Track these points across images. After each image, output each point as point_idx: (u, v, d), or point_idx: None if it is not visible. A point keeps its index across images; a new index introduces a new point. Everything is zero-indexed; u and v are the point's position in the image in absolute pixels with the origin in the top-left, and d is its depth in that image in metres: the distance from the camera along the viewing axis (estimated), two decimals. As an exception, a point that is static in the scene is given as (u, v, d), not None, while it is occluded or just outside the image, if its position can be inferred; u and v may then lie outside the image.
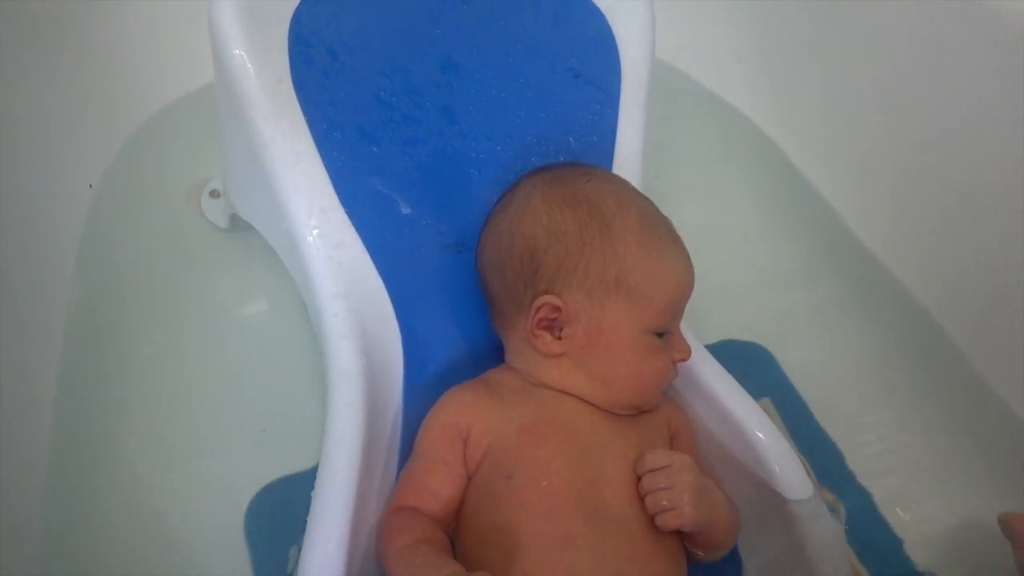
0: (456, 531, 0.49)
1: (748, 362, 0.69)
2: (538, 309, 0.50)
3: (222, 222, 0.72)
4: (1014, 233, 0.65)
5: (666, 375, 0.52)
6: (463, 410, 0.51)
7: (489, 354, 0.58)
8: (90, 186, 0.71)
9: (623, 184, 0.55)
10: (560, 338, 0.50)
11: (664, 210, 0.54)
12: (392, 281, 0.57)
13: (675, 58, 0.93)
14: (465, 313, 0.59)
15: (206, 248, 0.73)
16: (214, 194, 0.73)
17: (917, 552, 0.60)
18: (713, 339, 0.70)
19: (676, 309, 0.51)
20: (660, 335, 0.51)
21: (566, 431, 0.49)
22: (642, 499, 0.47)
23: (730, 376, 0.58)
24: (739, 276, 0.76)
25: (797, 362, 0.70)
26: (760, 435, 0.56)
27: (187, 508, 0.59)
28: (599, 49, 0.65)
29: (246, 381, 0.67)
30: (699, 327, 0.65)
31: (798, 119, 0.88)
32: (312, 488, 0.50)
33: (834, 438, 0.66)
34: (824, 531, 0.52)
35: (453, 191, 0.60)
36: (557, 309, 0.50)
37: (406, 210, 0.59)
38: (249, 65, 0.55)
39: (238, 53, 0.54)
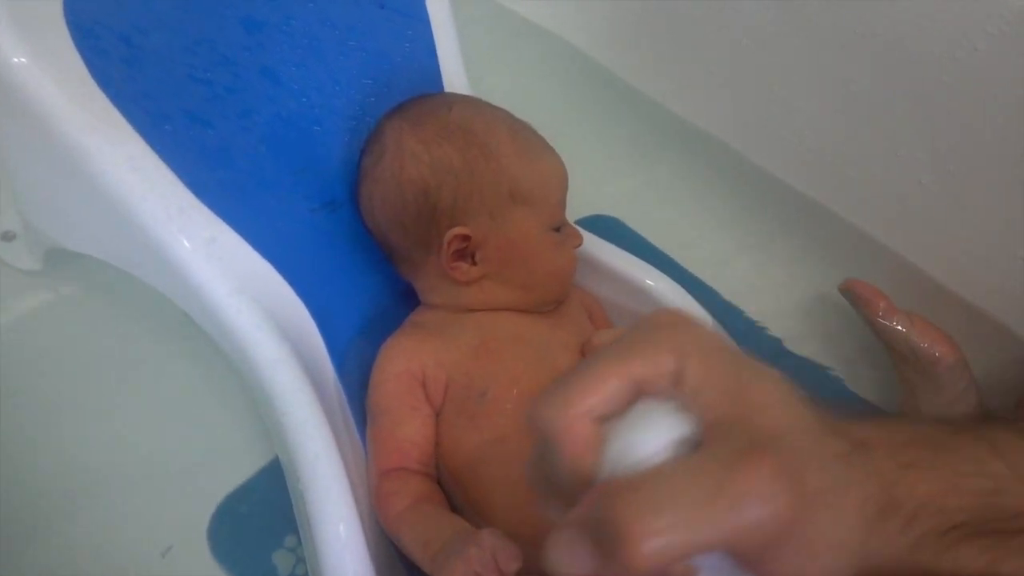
0: (440, 467, 0.51)
1: (607, 232, 0.75)
2: (449, 243, 0.51)
3: (34, 263, 0.63)
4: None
5: (574, 263, 0.56)
6: (408, 355, 0.51)
7: (401, 299, 0.59)
8: None
9: (479, 102, 0.57)
10: (476, 263, 0.52)
11: None
12: (278, 260, 0.55)
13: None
14: (361, 268, 0.59)
15: (23, 296, 0.63)
16: (8, 236, 0.63)
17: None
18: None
19: (563, 201, 0.55)
20: (557, 230, 0.55)
21: (515, 339, 0.52)
22: None
23: (607, 243, 0.64)
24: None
25: (649, 228, 0.78)
26: (651, 283, 0.63)
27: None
28: (393, -26, 0.65)
29: (132, 419, 0.61)
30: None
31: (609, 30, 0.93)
32: (276, 486, 0.49)
33: (704, 278, 0.75)
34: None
35: (305, 153, 0.58)
36: (467, 238, 0.51)
37: (264, 185, 0.56)
38: (39, 72, 0.48)
39: (20, 61, 0.47)
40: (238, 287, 0.52)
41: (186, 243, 0.51)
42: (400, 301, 0.59)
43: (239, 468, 0.58)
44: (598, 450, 0.26)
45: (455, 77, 0.66)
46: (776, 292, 0.75)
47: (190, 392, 0.62)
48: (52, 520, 0.55)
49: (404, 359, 0.51)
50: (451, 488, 0.50)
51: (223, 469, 0.58)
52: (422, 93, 0.57)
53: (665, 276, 0.63)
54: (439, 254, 0.52)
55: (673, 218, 0.81)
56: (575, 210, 0.76)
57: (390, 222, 0.54)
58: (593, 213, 0.78)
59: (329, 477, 0.46)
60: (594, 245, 0.63)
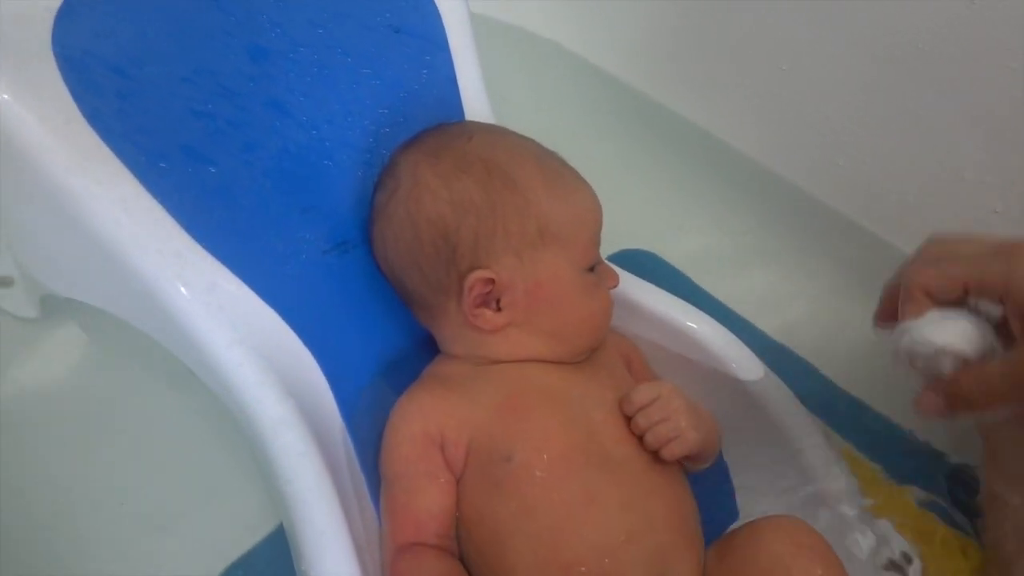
0: (461, 538, 0.45)
1: (642, 269, 0.70)
2: (471, 288, 0.46)
3: (29, 311, 0.59)
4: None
5: (610, 306, 0.51)
6: (426, 414, 0.46)
7: (419, 347, 0.54)
8: None
9: (503, 131, 0.52)
10: (500, 309, 0.47)
11: None
12: (285, 307, 0.50)
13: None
14: (376, 314, 0.54)
15: (23, 346, 0.59)
16: (5, 282, 0.59)
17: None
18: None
19: (597, 238, 0.50)
20: (591, 270, 0.49)
21: (544, 395, 0.47)
22: (636, 436, 0.46)
23: (645, 281, 0.59)
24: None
25: (689, 262, 0.72)
26: (693, 325, 0.57)
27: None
28: (409, -2, 0.61)
29: (136, 478, 0.56)
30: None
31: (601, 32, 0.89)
32: (283, 556, 0.44)
33: (749, 317, 0.69)
34: (784, 399, 0.55)
35: (313, 190, 0.54)
36: (490, 282, 0.46)
37: (270, 226, 0.51)
38: (23, 110, 0.44)
39: (3, 99, 0.43)
40: (239, 338, 0.47)
41: (183, 290, 0.47)
42: (419, 350, 0.54)
43: (242, 535, 0.53)
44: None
45: (477, 105, 0.61)
46: (830, 331, 0.69)
47: (192, 449, 0.57)
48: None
49: (420, 419, 0.46)
50: (473, 562, 0.45)
51: (225, 535, 0.53)
52: (440, 123, 0.52)
53: (707, 316, 0.57)
54: (460, 300, 0.47)
55: (714, 251, 0.75)
56: (607, 244, 0.71)
57: (405, 264, 0.49)
58: (626, 247, 0.72)
59: (336, 558, 0.41)
60: (629, 284, 0.58)
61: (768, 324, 0.69)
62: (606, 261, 0.54)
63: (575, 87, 0.89)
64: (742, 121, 0.79)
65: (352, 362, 0.52)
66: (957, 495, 0.55)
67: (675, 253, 0.73)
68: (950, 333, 0.40)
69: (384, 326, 0.54)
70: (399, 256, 0.49)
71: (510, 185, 0.46)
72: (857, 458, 0.60)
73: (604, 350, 0.53)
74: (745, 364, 0.56)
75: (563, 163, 0.50)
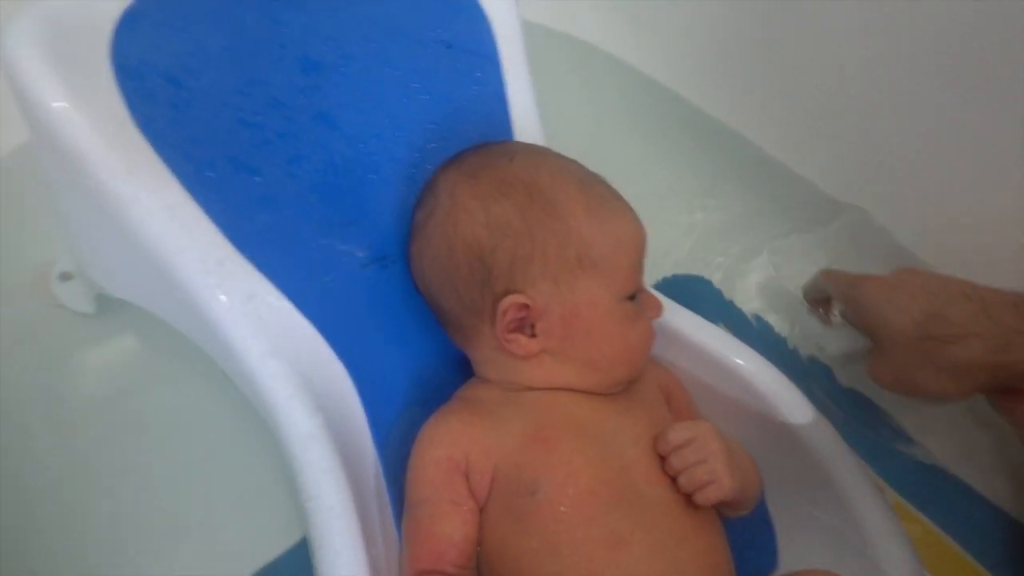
0: (482, 570, 0.44)
1: (691, 297, 0.67)
2: (505, 313, 0.45)
3: (86, 306, 0.60)
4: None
5: (650, 337, 0.49)
6: (454, 439, 0.45)
7: (453, 368, 0.53)
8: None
9: (546, 152, 0.51)
10: (535, 335, 0.46)
11: None
12: (321, 319, 0.50)
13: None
14: (411, 331, 0.53)
15: (78, 341, 0.61)
16: (66, 276, 0.61)
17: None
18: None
19: (640, 266, 0.48)
20: (632, 298, 0.48)
21: (575, 427, 0.45)
22: (670, 477, 0.44)
23: (692, 313, 0.56)
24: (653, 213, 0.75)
25: (742, 292, 0.69)
26: (740, 362, 0.54)
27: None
28: (463, 12, 0.60)
29: (170, 478, 0.57)
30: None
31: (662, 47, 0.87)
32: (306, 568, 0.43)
33: (794, 345, 0.66)
34: (834, 445, 0.52)
35: (356, 204, 0.54)
36: (525, 307, 0.45)
37: (311, 238, 0.52)
38: (77, 117, 0.45)
39: (59, 106, 0.44)
40: (274, 349, 0.47)
41: (223, 298, 0.47)
42: (455, 370, 0.53)
43: (271, 542, 0.53)
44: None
45: (527, 122, 0.60)
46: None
47: (227, 453, 0.57)
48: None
49: (447, 443, 0.45)
50: (494, 591, 0.44)
51: (253, 541, 0.53)
52: (484, 141, 0.51)
53: (755, 353, 0.54)
54: (493, 323, 0.46)
55: (772, 279, 0.71)
56: (655, 268, 0.69)
57: (441, 285, 0.48)
58: (676, 272, 0.70)
59: (350, 578, 0.40)
60: (675, 314, 0.56)
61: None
62: (650, 289, 0.52)
63: (634, 102, 0.87)
64: (806, 145, 0.76)
65: (386, 378, 0.51)
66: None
67: (728, 280, 0.70)
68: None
69: (420, 344, 0.53)
70: (435, 276, 0.48)
71: (550, 210, 0.45)
72: (913, 516, 0.57)
73: (643, 382, 0.51)
74: (794, 406, 0.53)
75: (607, 187, 0.48)
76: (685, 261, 0.70)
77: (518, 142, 0.55)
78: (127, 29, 0.48)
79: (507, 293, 0.45)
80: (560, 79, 0.85)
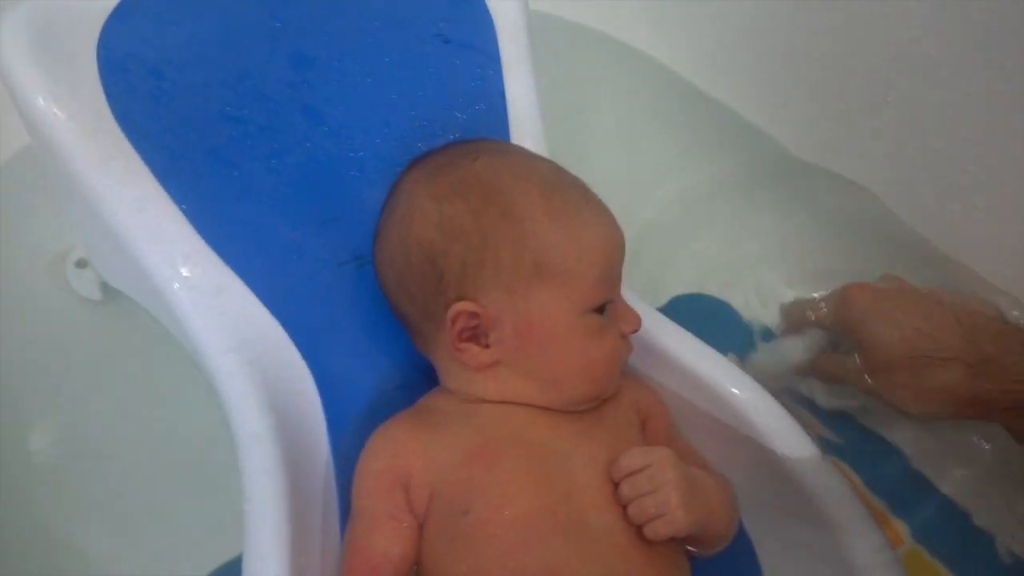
0: (419, 589, 0.42)
1: (705, 320, 0.62)
2: (454, 320, 0.43)
3: (95, 293, 0.62)
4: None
5: (618, 354, 0.45)
6: (396, 450, 0.43)
7: (422, 377, 0.51)
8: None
9: (518, 153, 0.48)
10: (488, 346, 0.43)
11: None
12: (288, 318, 0.49)
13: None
14: (383, 334, 0.51)
15: (86, 327, 0.64)
16: (81, 264, 0.63)
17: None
18: (664, 299, 0.64)
19: (611, 277, 0.44)
20: (600, 310, 0.44)
21: (521, 446, 0.42)
22: (623, 506, 0.40)
23: (689, 333, 0.52)
24: (681, 229, 0.70)
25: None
26: (736, 391, 0.50)
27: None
28: (464, 6, 0.58)
29: (173, 458, 0.58)
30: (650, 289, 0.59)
31: (707, 54, 0.82)
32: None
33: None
34: (830, 482, 0.47)
35: (338, 200, 0.53)
36: (475, 316, 0.42)
37: (287, 234, 0.51)
38: (56, 109, 0.46)
39: (38, 97, 0.46)
40: (236, 345, 0.47)
41: (187, 292, 0.47)
42: (424, 378, 0.51)
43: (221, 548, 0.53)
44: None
45: (526, 123, 0.57)
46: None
47: (209, 444, 0.57)
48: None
49: (388, 454, 0.43)
50: (428, 614, 0.41)
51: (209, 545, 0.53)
52: (454, 141, 0.49)
53: (755, 384, 0.49)
54: (446, 332, 0.44)
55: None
56: (667, 286, 0.65)
57: (397, 288, 0.46)
58: (693, 291, 0.65)
59: (269, 588, 0.39)
60: (667, 332, 0.51)
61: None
62: (633, 301, 0.48)
63: (659, 94, 0.82)
64: (858, 151, 0.69)
65: (351, 383, 0.50)
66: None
67: (754, 304, 0.65)
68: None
69: (390, 349, 0.51)
70: (392, 279, 0.46)
71: (506, 213, 0.42)
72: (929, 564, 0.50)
73: (616, 403, 0.47)
74: (791, 441, 0.48)
75: (580, 192, 0.45)
76: (703, 277, 0.65)
77: (493, 141, 0.52)
78: (117, 23, 0.49)
79: (458, 300, 0.42)
80: (589, 74, 0.82)
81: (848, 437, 0.59)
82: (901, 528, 0.54)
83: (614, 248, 0.44)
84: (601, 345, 0.44)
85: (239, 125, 0.51)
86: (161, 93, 0.49)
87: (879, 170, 0.69)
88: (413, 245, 0.44)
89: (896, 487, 0.56)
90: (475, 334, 0.43)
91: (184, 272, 0.47)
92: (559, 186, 0.44)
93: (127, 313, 0.63)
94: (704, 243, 0.68)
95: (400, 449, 0.43)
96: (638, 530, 0.40)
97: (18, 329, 0.62)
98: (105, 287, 0.62)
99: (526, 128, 0.57)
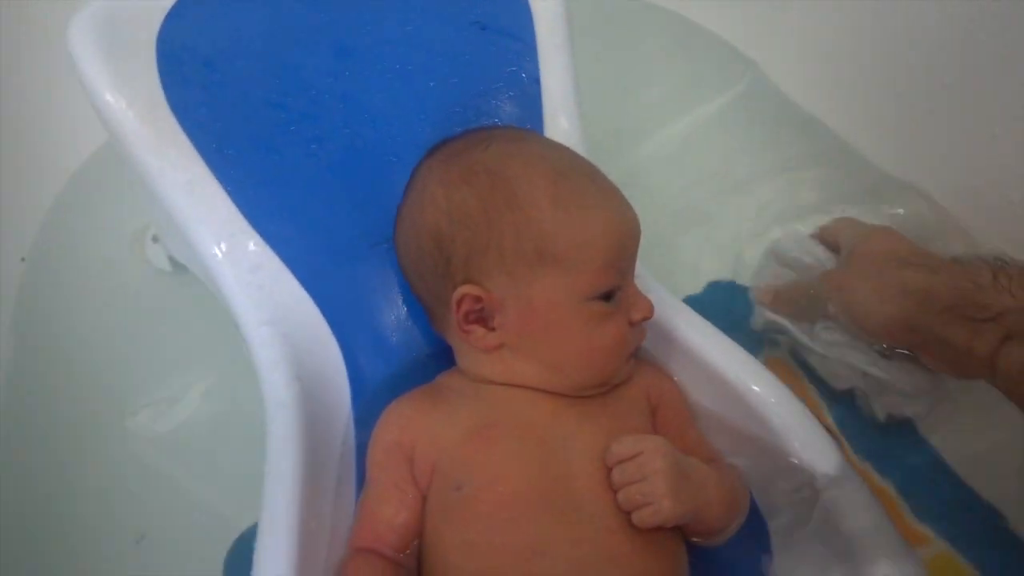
0: (420, 557, 0.44)
1: (742, 304, 0.61)
2: (459, 303, 0.44)
3: (165, 265, 0.68)
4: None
5: (624, 341, 0.45)
6: (404, 425, 0.45)
7: (443, 355, 0.53)
8: (22, 260, 0.68)
9: (533, 141, 0.48)
10: (494, 329, 0.45)
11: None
12: (321, 295, 0.52)
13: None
14: (409, 313, 0.54)
15: (162, 297, 0.70)
16: (155, 239, 0.69)
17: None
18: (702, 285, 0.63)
19: (620, 264, 0.45)
20: (607, 297, 0.44)
21: (521, 428, 0.44)
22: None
23: (711, 325, 0.51)
24: (728, 213, 0.68)
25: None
26: (756, 389, 0.49)
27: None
28: (502, -6, 0.59)
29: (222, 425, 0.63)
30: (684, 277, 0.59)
31: (773, 34, 0.79)
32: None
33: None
34: (848, 494, 0.45)
35: (374, 185, 0.55)
36: (479, 299, 0.44)
37: (324, 216, 0.54)
38: (118, 100, 0.50)
39: (103, 90, 0.50)
40: (270, 318, 0.51)
41: (229, 268, 0.51)
42: (444, 356, 0.53)
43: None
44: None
45: (561, 112, 0.57)
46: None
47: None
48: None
49: (397, 428, 0.46)
50: (426, 577, 0.44)
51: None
52: (472, 128, 0.50)
53: (776, 381, 0.48)
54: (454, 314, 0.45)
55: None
56: (704, 273, 0.63)
57: (411, 271, 0.48)
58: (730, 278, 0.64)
59: (276, 546, 0.42)
60: (688, 325, 0.51)
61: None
62: (649, 289, 0.48)
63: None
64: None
65: (375, 358, 0.53)
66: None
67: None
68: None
69: (414, 327, 0.54)
70: (407, 262, 0.48)
71: (511, 199, 0.43)
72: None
73: (627, 389, 0.47)
74: (813, 446, 0.47)
75: (593, 180, 0.45)
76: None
77: (511, 128, 0.53)
78: (176, 18, 0.53)
79: (464, 283, 0.44)
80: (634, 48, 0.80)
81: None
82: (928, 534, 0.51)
83: (621, 235, 0.44)
84: (604, 332, 0.44)
85: (283, 112, 0.54)
86: (212, 83, 0.53)
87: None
88: (424, 230, 0.46)
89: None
90: (481, 317, 0.45)
91: (226, 248, 0.51)
92: (568, 174, 0.45)
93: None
94: (747, 227, 0.66)
95: (408, 424, 0.45)
96: (630, 517, 0.41)
97: (102, 295, 0.69)
98: (174, 260, 0.67)
99: (561, 116, 0.57)
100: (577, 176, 0.45)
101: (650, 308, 0.46)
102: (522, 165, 0.44)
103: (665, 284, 0.53)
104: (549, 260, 0.43)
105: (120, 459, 0.62)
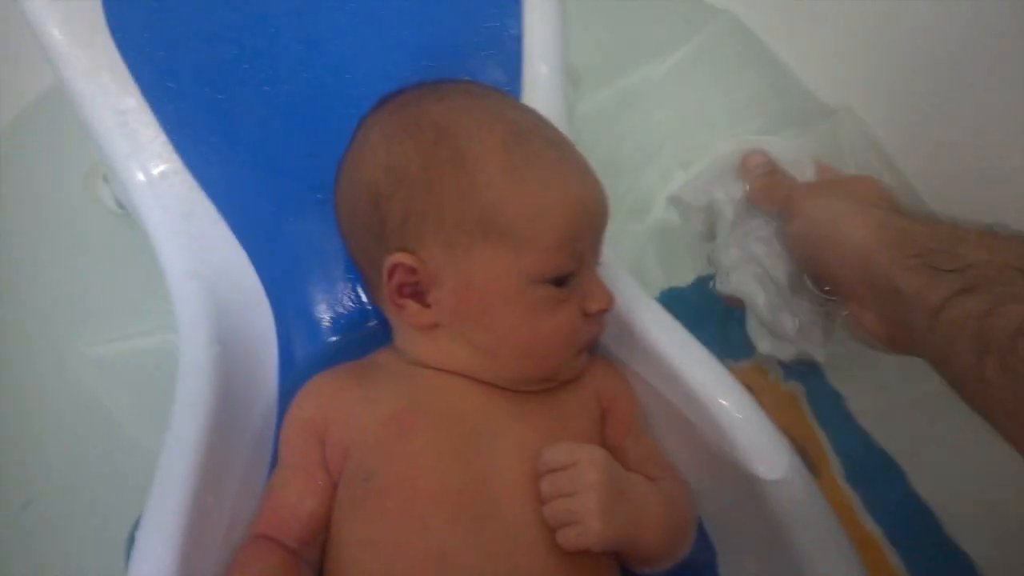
0: (324, 550, 0.40)
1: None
2: (391, 273, 0.39)
3: (112, 206, 0.64)
4: None
5: (573, 332, 0.40)
6: (320, 402, 0.41)
7: (385, 330, 0.48)
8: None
9: (492, 97, 0.43)
10: (429, 305, 0.40)
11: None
12: (257, 250, 0.48)
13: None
14: (352, 279, 0.49)
15: (110, 236, 0.65)
16: (107, 177, 0.65)
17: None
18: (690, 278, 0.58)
19: (577, 245, 0.39)
20: (560, 282, 0.39)
21: (444, 418, 0.39)
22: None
23: (680, 325, 0.46)
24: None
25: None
26: (724, 403, 0.43)
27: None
28: (490, -59, 0.53)
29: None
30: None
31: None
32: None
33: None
34: (811, 517, 0.40)
35: (326, 135, 0.50)
36: (413, 270, 0.39)
37: (270, 164, 0.49)
38: (52, 14, 0.46)
39: (38, 5, 0.46)
40: (196, 271, 0.46)
41: (157, 212, 0.47)
42: (386, 331, 0.48)
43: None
44: None
45: (542, 71, 0.52)
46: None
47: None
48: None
49: (312, 405, 0.41)
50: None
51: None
52: (435, 79, 0.45)
53: (746, 396, 0.43)
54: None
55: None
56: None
57: (346, 231, 0.43)
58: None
59: (162, 515, 0.37)
60: (653, 323, 0.46)
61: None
62: (613, 278, 0.43)
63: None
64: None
65: (310, 323, 0.48)
66: None
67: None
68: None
69: (355, 295, 0.49)
70: (343, 221, 0.44)
71: (457, 160, 0.38)
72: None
73: (575, 388, 0.42)
74: (778, 465, 0.42)
75: (557, 145, 0.40)
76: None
77: (474, 83, 0.47)
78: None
79: (399, 251, 0.39)
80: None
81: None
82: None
83: (581, 213, 0.39)
84: (550, 320, 0.39)
85: (235, 48, 0.49)
86: (160, 9, 0.48)
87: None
88: (360, 185, 0.41)
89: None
90: (417, 291, 0.40)
91: (156, 190, 0.47)
92: (527, 137, 0.39)
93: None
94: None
95: (325, 400, 0.41)
96: (555, 534, 0.36)
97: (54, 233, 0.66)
98: (119, 201, 0.63)
99: (543, 74, 0.52)
100: (537, 141, 0.39)
101: (609, 299, 0.41)
102: (474, 122, 0.39)
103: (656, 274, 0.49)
104: (493, 232, 0.37)
105: (60, 391, 0.60)
